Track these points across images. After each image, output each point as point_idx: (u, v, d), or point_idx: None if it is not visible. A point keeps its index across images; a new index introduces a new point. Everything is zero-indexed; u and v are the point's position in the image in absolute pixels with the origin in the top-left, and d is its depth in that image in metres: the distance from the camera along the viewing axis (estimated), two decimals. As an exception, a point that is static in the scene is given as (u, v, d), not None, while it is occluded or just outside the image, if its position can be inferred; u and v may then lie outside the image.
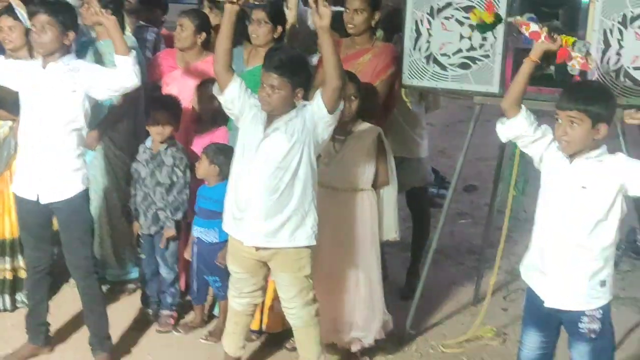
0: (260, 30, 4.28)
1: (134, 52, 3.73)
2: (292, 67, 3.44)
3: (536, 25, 3.21)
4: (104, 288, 4.64)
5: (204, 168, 4.17)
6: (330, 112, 3.46)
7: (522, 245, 3.41)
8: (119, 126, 4.58)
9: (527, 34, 3.24)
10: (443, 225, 4.42)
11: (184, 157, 4.30)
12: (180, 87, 4.56)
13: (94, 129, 4.45)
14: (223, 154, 4.08)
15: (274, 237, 3.55)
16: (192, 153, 4.43)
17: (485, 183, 7.22)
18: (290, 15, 4.75)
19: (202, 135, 4.49)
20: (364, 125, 3.95)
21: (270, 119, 3.51)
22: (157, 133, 4.27)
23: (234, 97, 3.55)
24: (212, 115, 4.46)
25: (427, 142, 4.93)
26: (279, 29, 4.33)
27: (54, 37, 3.66)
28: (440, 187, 6.59)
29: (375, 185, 3.97)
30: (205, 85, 4.40)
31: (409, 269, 5.02)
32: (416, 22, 4.07)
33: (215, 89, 3.63)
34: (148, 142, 4.34)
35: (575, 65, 3.16)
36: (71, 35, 3.71)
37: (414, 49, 4.10)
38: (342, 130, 3.87)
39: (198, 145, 4.45)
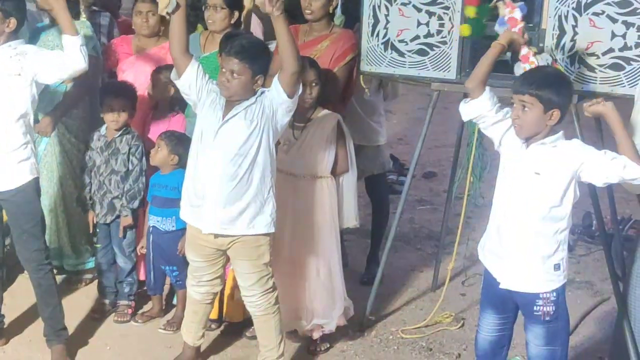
0: (216, 16, 4.23)
1: (81, 33, 3.66)
2: (253, 53, 3.43)
3: (520, 14, 3.28)
4: (61, 278, 4.59)
5: (162, 156, 4.12)
6: (290, 96, 3.45)
7: (480, 231, 3.44)
8: (74, 113, 4.50)
9: (506, 16, 3.30)
10: (402, 211, 4.44)
11: (139, 145, 4.25)
12: (136, 73, 4.49)
13: (47, 115, 4.39)
14: (182, 144, 4.04)
15: (233, 225, 3.53)
16: (148, 140, 4.38)
17: (445, 170, 7.28)
18: (247, 0, 4.70)
19: (159, 123, 4.44)
20: (324, 112, 3.94)
21: (229, 105, 3.49)
22: (111, 120, 4.21)
23: (191, 82, 3.52)
24: (168, 102, 4.41)
25: (385, 130, 4.94)
26: (236, 14, 4.30)
27: None
28: (399, 174, 6.62)
29: (335, 173, 3.96)
30: (160, 71, 4.35)
31: (368, 255, 5.04)
32: (374, 7, 4.06)
33: (172, 74, 3.60)
34: (102, 130, 4.28)
35: (526, 68, 3.30)
36: (12, 22, 3.61)
37: (372, 35, 4.09)
38: (301, 117, 3.86)
39: (154, 132, 4.38)
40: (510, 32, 3.26)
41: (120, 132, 4.23)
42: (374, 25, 4.08)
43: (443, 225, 4.91)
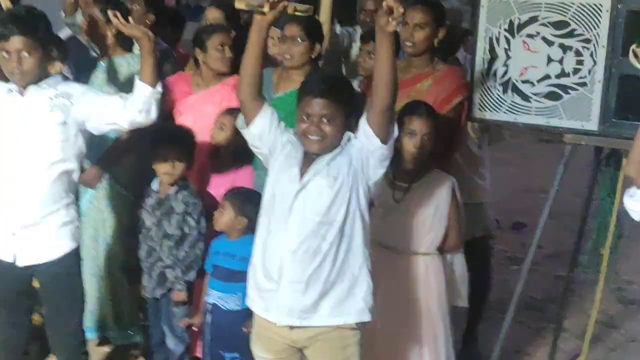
0: (295, 50, 3.41)
1: (160, 85, 2.96)
2: (344, 92, 2.68)
3: None
4: (106, 350, 3.84)
5: (227, 219, 3.29)
6: (384, 141, 2.61)
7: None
8: (124, 161, 3.72)
9: None
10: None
11: (197, 203, 3.42)
12: (195, 116, 3.69)
13: (95, 164, 3.65)
14: (252, 203, 3.23)
15: (312, 313, 2.67)
16: (207, 196, 3.57)
17: (535, 219, 6.35)
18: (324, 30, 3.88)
19: (221, 175, 3.62)
20: (435, 172, 3.07)
21: (309, 159, 2.67)
22: (165, 173, 3.40)
23: (263, 132, 2.72)
24: (234, 151, 3.59)
25: (489, 184, 4.04)
26: (317, 47, 3.47)
27: (35, 63, 2.84)
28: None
29: (443, 249, 3.08)
30: (232, 113, 3.56)
31: (465, 332, 4.10)
32: (490, 40, 3.19)
33: (239, 122, 2.79)
34: (154, 184, 3.48)
35: None
36: (57, 65, 2.92)
37: (488, 74, 3.22)
38: (405, 174, 2.98)
39: (216, 186, 3.58)
40: None
41: (175, 188, 3.42)
42: (491, 62, 3.20)
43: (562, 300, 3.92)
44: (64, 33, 4.28)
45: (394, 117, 2.62)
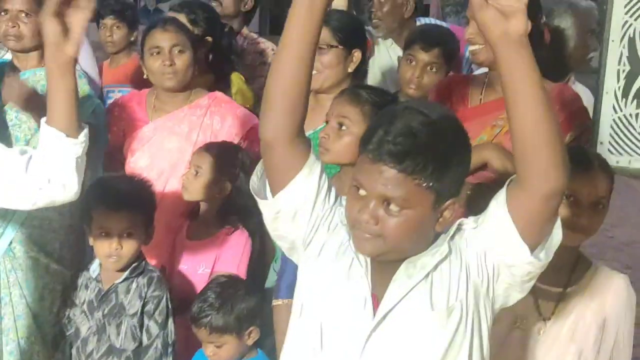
0: (326, 59, 2.14)
1: (84, 132, 1.60)
2: (442, 152, 1.35)
3: None
4: None
5: (231, 348, 2.05)
6: (535, 249, 1.36)
7: None
8: (54, 220, 2.34)
9: None
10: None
11: (162, 296, 2.11)
12: (154, 154, 2.39)
13: None
14: (260, 303, 2.05)
15: None
16: (178, 278, 2.27)
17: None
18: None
19: (200, 247, 2.31)
20: (602, 269, 1.79)
21: (384, 264, 1.41)
22: (107, 255, 2.07)
23: (302, 207, 1.45)
24: (218, 208, 2.30)
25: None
26: (357, 55, 2.20)
27: None
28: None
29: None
30: (210, 151, 2.28)
31: None
32: (631, 40, 1.96)
33: (253, 183, 1.49)
34: (93, 269, 2.15)
35: None
36: None
37: (624, 95, 1.98)
38: (555, 272, 1.65)
39: (192, 263, 2.27)
40: None
41: (125, 275, 2.10)
42: (632, 76, 1.96)
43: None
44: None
45: (558, 207, 1.35)
